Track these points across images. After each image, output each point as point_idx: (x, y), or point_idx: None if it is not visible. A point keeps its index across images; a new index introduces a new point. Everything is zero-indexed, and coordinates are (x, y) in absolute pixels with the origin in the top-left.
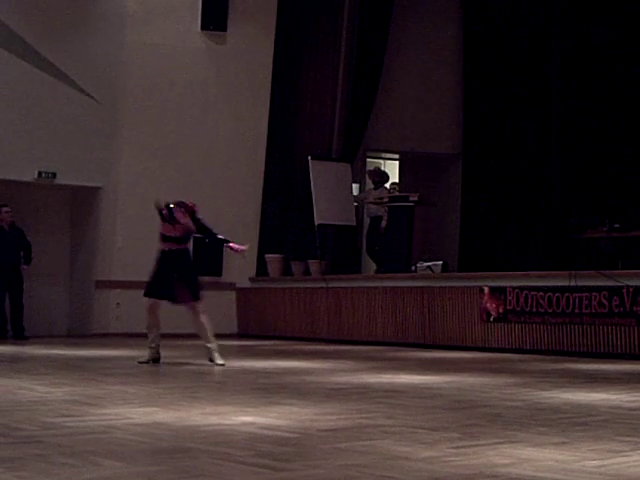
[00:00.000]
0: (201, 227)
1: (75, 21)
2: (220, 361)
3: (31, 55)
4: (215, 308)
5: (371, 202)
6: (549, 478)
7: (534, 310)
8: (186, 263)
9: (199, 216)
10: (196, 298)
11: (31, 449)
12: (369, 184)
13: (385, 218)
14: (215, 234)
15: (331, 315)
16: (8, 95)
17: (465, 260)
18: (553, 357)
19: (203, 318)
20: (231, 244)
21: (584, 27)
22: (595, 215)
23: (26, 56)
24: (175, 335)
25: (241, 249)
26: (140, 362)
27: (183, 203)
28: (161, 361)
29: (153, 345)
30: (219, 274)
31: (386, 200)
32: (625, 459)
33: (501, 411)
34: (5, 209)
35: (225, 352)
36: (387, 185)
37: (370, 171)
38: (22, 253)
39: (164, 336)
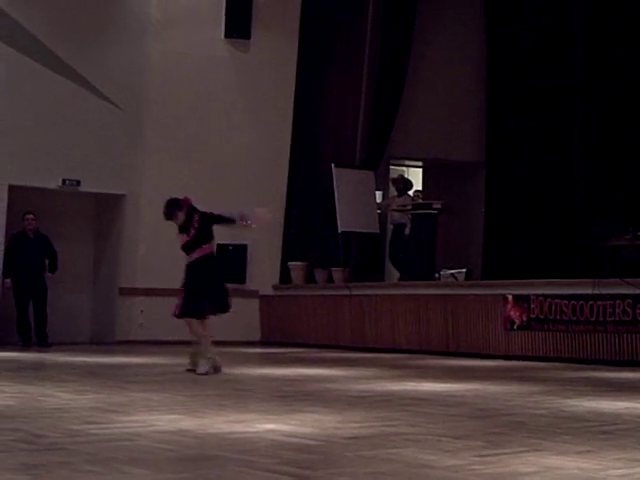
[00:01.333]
0: (212, 218)
1: (98, 29)
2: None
3: (55, 63)
4: (238, 316)
5: (394, 209)
6: None
7: (558, 318)
8: (214, 272)
9: (200, 208)
10: (223, 311)
11: (55, 456)
12: (392, 191)
13: (409, 226)
14: (228, 218)
15: (354, 323)
16: (32, 103)
17: (488, 268)
18: (577, 365)
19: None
20: (249, 220)
21: (608, 31)
22: (619, 223)
23: (50, 64)
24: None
25: (262, 218)
26: (199, 373)
27: (176, 203)
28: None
29: (209, 355)
30: (243, 281)
31: (410, 208)
32: None
33: (525, 419)
34: (28, 216)
35: (249, 359)
36: (410, 193)
37: (394, 179)
38: (47, 261)
39: (186, 343)
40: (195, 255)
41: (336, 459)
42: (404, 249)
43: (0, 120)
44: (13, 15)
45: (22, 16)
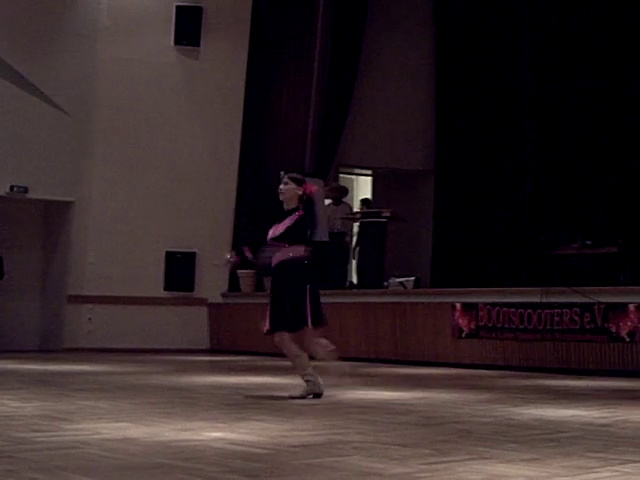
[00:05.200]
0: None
1: (48, 35)
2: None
3: (3, 69)
4: (187, 323)
5: (344, 217)
6: None
7: (506, 326)
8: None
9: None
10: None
11: (1, 464)
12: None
13: (349, 234)
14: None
15: None
16: None
17: (437, 276)
18: (525, 373)
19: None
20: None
21: (557, 43)
22: (566, 232)
23: None
24: (151, 350)
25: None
26: (292, 397)
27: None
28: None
29: (308, 378)
30: (191, 289)
31: (359, 216)
32: (595, 475)
33: (472, 427)
34: None
35: (197, 367)
36: (344, 200)
37: (329, 188)
38: None
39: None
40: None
41: (283, 467)
42: (342, 258)
43: None
44: None
45: None
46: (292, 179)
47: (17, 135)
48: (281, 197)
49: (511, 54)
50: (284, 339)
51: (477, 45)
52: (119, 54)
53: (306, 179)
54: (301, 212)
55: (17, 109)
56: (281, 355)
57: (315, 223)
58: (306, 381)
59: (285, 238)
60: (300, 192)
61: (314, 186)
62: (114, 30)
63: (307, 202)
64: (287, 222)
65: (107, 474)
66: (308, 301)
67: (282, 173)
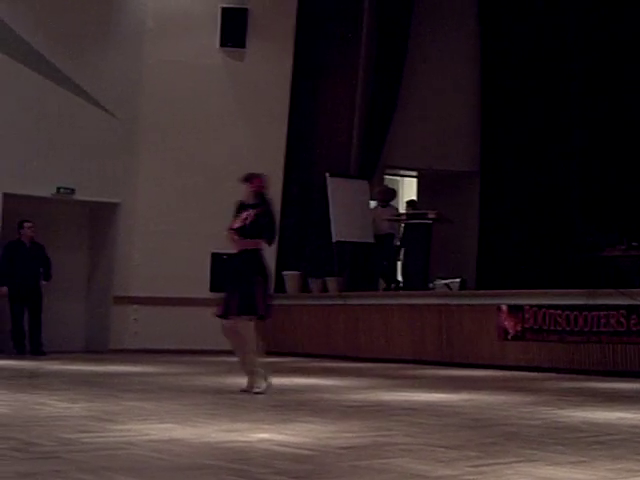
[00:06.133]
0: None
1: (94, 37)
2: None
3: (50, 71)
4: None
5: (389, 219)
6: None
7: (552, 328)
8: None
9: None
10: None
11: (48, 465)
12: (373, 204)
13: (397, 236)
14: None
15: (348, 332)
16: (27, 111)
17: (483, 278)
18: (571, 375)
19: None
20: None
21: (605, 42)
22: (613, 233)
23: (45, 72)
24: (197, 351)
25: None
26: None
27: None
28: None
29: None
30: None
31: (404, 217)
32: None
33: (519, 430)
34: (27, 224)
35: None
36: (393, 202)
37: (378, 191)
38: (42, 269)
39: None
40: None
41: (330, 469)
42: (391, 259)
43: None
44: (9, 23)
45: (18, 24)
46: (241, 179)
47: (64, 137)
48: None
49: (559, 53)
50: (251, 326)
51: (523, 44)
52: (165, 56)
53: (254, 174)
54: (260, 208)
55: (63, 111)
56: (328, 357)
57: (274, 217)
58: (252, 373)
59: (245, 231)
60: (250, 189)
61: (260, 180)
62: (159, 32)
63: (261, 197)
64: (247, 216)
65: (153, 475)
66: (259, 293)
67: (327, 175)
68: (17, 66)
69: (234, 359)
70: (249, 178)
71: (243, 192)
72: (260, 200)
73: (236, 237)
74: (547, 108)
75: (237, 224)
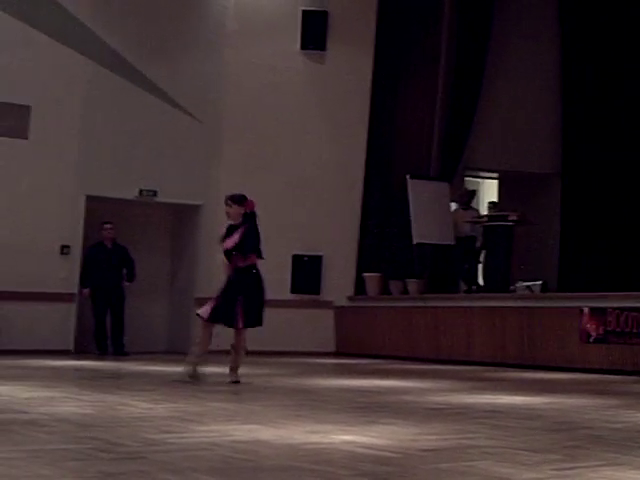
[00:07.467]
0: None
1: (176, 41)
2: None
3: (132, 74)
4: (313, 326)
5: (470, 221)
6: None
7: (634, 331)
8: None
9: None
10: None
11: (133, 465)
12: (453, 205)
13: (479, 238)
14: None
15: (429, 334)
16: (110, 113)
17: (565, 280)
18: None
19: None
20: None
21: None
22: None
23: (127, 75)
24: (278, 352)
25: None
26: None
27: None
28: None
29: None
30: (317, 292)
31: (485, 219)
32: None
33: (602, 433)
34: (107, 226)
35: (323, 370)
36: (473, 204)
37: (459, 193)
38: (124, 270)
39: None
40: None
41: (413, 472)
42: (472, 262)
43: (79, 132)
44: (94, 30)
45: (102, 30)
46: (233, 201)
47: (146, 139)
48: (228, 219)
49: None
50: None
51: (605, 44)
52: (246, 58)
53: (246, 196)
54: (245, 226)
55: (146, 113)
56: (409, 358)
57: (258, 233)
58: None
59: (238, 249)
60: (243, 211)
61: (253, 202)
62: (241, 35)
63: (250, 216)
64: (236, 237)
65: (238, 476)
66: (240, 305)
67: (408, 177)
68: (101, 71)
69: (314, 360)
70: (242, 200)
71: (231, 213)
72: (244, 219)
73: (226, 261)
74: (630, 109)
75: (230, 244)
